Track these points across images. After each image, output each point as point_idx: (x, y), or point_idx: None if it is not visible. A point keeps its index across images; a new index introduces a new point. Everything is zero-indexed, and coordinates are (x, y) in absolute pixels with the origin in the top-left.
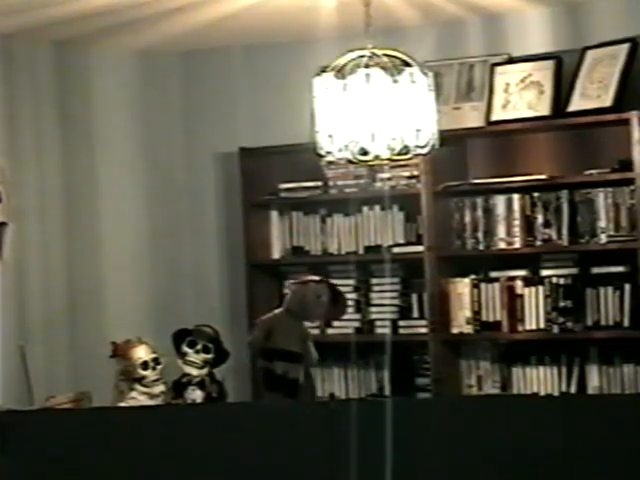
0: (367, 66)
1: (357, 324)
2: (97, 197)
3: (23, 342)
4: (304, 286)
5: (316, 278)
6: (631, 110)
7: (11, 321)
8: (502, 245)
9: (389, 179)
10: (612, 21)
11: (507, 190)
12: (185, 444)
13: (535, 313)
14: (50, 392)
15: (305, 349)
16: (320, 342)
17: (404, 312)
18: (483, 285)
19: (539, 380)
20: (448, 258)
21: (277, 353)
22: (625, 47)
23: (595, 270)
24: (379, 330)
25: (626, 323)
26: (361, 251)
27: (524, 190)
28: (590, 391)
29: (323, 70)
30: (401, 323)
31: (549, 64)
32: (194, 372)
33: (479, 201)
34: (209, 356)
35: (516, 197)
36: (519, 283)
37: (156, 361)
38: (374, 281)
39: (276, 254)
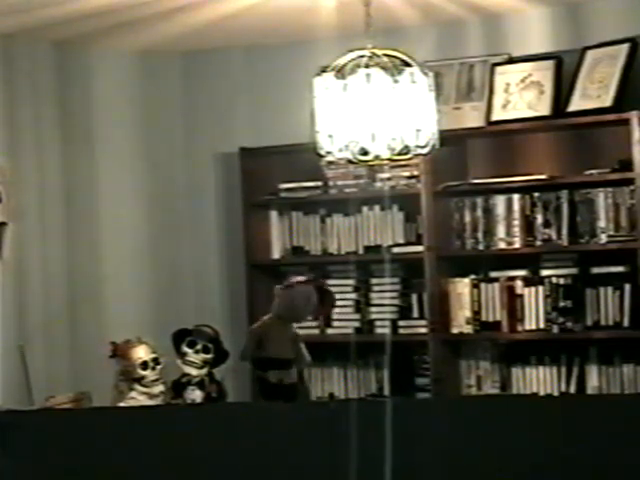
0: (367, 66)
1: (357, 324)
2: (97, 197)
3: (23, 342)
4: (291, 290)
5: (302, 279)
6: (631, 110)
7: (11, 321)
8: (502, 245)
9: (389, 179)
10: (612, 21)
11: (507, 190)
12: (185, 444)
13: (535, 313)
14: (50, 392)
15: (297, 352)
16: (320, 342)
17: (404, 312)
18: (483, 285)
19: (539, 380)
20: (448, 258)
21: (270, 362)
22: (625, 47)
23: (595, 270)
24: (379, 330)
25: (626, 323)
26: (361, 251)
27: (524, 190)
28: (590, 391)
29: (323, 70)
30: (401, 323)
31: (549, 64)
32: (194, 372)
33: (479, 201)
34: (209, 356)
35: (516, 197)
36: (519, 283)
37: (156, 361)
38: (374, 281)
39: (276, 254)
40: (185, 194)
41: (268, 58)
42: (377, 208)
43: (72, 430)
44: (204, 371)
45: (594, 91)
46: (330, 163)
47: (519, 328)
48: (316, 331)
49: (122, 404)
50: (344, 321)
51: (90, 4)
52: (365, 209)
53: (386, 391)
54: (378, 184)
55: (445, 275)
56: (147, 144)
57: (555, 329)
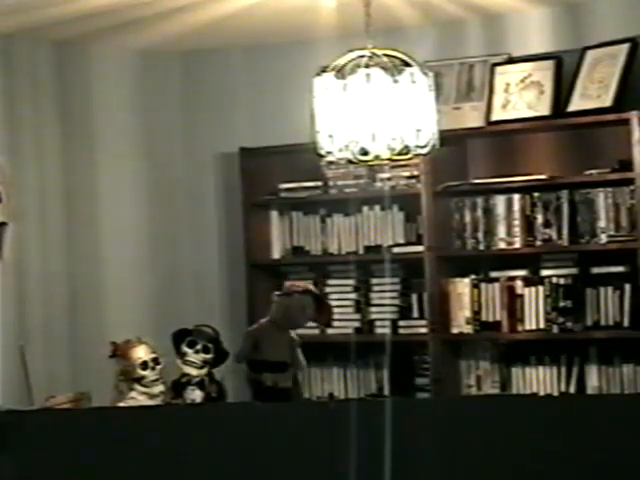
0: (367, 66)
1: (357, 324)
2: (97, 197)
3: (23, 342)
4: (288, 298)
5: (300, 288)
6: (631, 110)
7: (11, 321)
8: (502, 245)
9: (389, 179)
10: (612, 21)
11: (507, 190)
12: (184, 444)
13: (535, 313)
14: (50, 392)
15: (293, 356)
16: (320, 342)
17: (404, 312)
18: (483, 285)
19: (539, 380)
20: (448, 258)
21: (265, 364)
22: (625, 47)
23: (595, 270)
24: (379, 330)
25: (626, 323)
26: (361, 251)
27: (524, 190)
28: (589, 391)
29: (323, 70)
30: (401, 323)
31: (549, 64)
32: (193, 372)
33: (479, 201)
34: (209, 356)
35: (516, 197)
36: (519, 283)
37: (156, 361)
38: (374, 281)
39: (276, 254)
40: (185, 194)
41: (268, 58)
42: (377, 208)
43: (72, 430)
44: (204, 371)
45: (594, 91)
46: (330, 163)
47: (519, 328)
48: (316, 331)
49: (122, 404)
50: (344, 321)
51: (90, 4)
52: (365, 209)
53: (386, 391)
54: (378, 184)
55: (445, 275)
56: (147, 144)
57: (555, 329)
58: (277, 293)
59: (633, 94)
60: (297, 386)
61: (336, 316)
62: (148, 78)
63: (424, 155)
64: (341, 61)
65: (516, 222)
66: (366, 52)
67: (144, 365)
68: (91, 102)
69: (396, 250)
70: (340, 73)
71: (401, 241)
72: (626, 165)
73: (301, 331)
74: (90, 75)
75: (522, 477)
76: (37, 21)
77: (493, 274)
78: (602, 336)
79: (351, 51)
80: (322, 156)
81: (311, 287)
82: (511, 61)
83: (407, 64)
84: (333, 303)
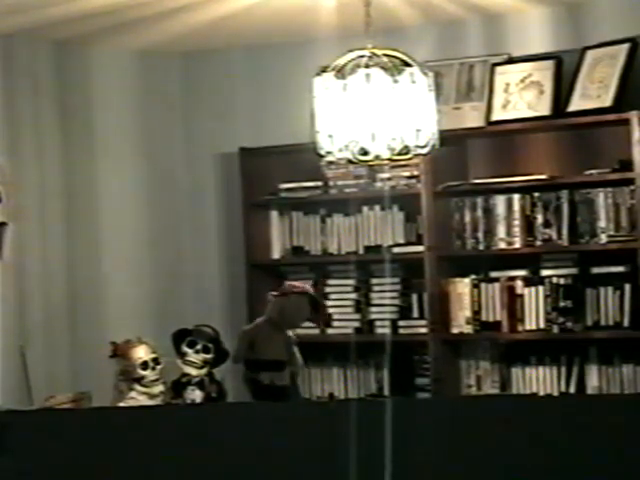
0: (367, 66)
1: (357, 324)
2: (97, 197)
3: (23, 342)
4: (284, 298)
5: (297, 288)
6: (631, 110)
7: (11, 321)
8: (502, 245)
9: (389, 179)
10: (612, 21)
11: (507, 190)
12: (184, 444)
13: (535, 313)
14: (50, 392)
15: (290, 355)
16: (320, 342)
17: (404, 312)
18: (483, 285)
19: (539, 380)
20: (448, 258)
21: (262, 363)
22: (625, 47)
23: (595, 270)
24: (379, 330)
25: (626, 323)
26: (361, 251)
27: (524, 190)
28: (590, 391)
29: (323, 70)
30: (401, 323)
31: (549, 64)
32: (194, 372)
33: (479, 201)
34: (209, 356)
35: (516, 197)
36: (519, 283)
37: (156, 361)
38: (374, 281)
39: (276, 254)
40: (185, 194)
41: (268, 58)
42: (377, 208)
43: (72, 430)
44: (204, 371)
45: (594, 91)
46: (330, 163)
47: (519, 328)
48: (316, 331)
49: (122, 404)
50: (344, 321)
51: (90, 4)
52: (365, 209)
53: (386, 391)
54: (378, 184)
55: (445, 275)
56: (147, 144)
57: (555, 329)
58: (273, 293)
59: (633, 94)
60: (294, 384)
61: (336, 316)
62: (148, 78)
63: (424, 155)
64: (341, 61)
65: (516, 222)
66: (366, 52)
67: (144, 365)
68: (91, 102)
69: (396, 250)
70: (340, 73)
71: (401, 241)
72: (626, 165)
73: (301, 331)
74: (90, 75)
75: (522, 477)
76: (37, 21)
77: (493, 274)
78: (602, 336)
79: (351, 51)
80: (322, 156)
81: (308, 288)
82: (511, 61)
83: (407, 64)
84: (333, 303)
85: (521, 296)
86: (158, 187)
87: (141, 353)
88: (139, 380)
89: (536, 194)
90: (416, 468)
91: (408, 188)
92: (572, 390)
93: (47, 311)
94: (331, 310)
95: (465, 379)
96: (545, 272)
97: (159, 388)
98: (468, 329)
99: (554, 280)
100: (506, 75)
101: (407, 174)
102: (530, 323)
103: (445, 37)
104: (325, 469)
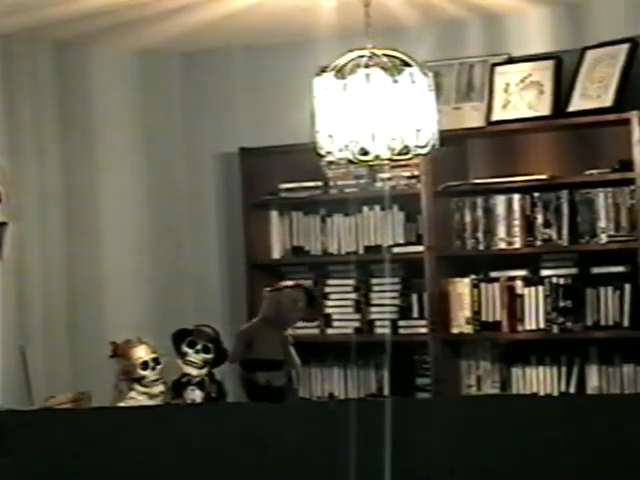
0: (367, 66)
1: (357, 324)
2: (97, 197)
3: (23, 342)
4: (279, 293)
5: (290, 283)
6: (631, 110)
7: (11, 321)
8: (502, 245)
9: (389, 179)
10: (612, 21)
11: (507, 190)
12: (185, 444)
13: (535, 313)
14: (50, 392)
15: (286, 355)
16: (320, 342)
17: (404, 312)
18: (483, 285)
19: (539, 380)
20: (448, 258)
21: (258, 363)
22: (625, 47)
23: (595, 270)
24: (379, 330)
25: (626, 323)
26: (361, 251)
27: (524, 190)
28: (590, 391)
29: (323, 70)
30: (401, 323)
31: (549, 64)
32: (194, 372)
33: (479, 201)
34: (209, 356)
35: (516, 197)
36: (519, 283)
37: (156, 361)
38: (374, 281)
39: (276, 254)
40: (185, 194)
41: (268, 58)
42: (377, 208)
43: (72, 430)
44: (204, 371)
45: (594, 91)
46: (330, 163)
47: (519, 328)
48: (316, 331)
49: (122, 404)
50: (344, 321)
51: (90, 4)
52: (365, 209)
53: (386, 391)
54: (378, 184)
55: (445, 275)
56: (147, 144)
57: (555, 329)
58: (268, 289)
59: (633, 94)
60: (291, 384)
61: (336, 316)
62: (148, 78)
63: (424, 155)
64: (341, 61)
65: (516, 222)
66: (366, 52)
67: (144, 365)
68: (91, 102)
69: (396, 250)
70: (340, 73)
71: (401, 241)
72: (626, 165)
73: (301, 331)
74: (90, 75)
75: (522, 477)
76: (37, 21)
77: (493, 274)
78: (602, 336)
79: (351, 51)
80: (322, 156)
81: (301, 282)
82: (511, 61)
83: (407, 64)
84: (333, 303)
85: (521, 296)
86: (158, 187)
87: (141, 353)
88: (139, 380)
89: (536, 194)
90: (416, 468)
91: (408, 188)
92: (572, 390)
93: (47, 311)
94: (331, 310)
95: (465, 379)
96: (545, 272)
97: (159, 388)
98: (468, 329)
99: (554, 280)
100: (506, 75)
101: (407, 174)
102: (530, 323)
103: (445, 37)
104: (325, 469)
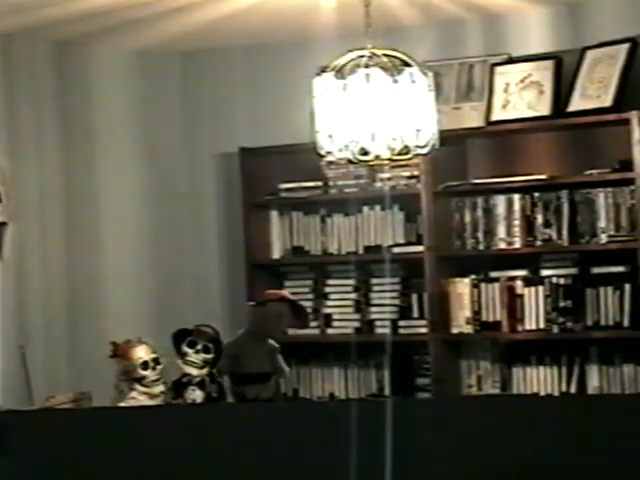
0: (367, 66)
1: (357, 324)
2: (97, 197)
3: (23, 342)
4: (263, 308)
5: (275, 295)
6: (631, 110)
7: (11, 321)
8: (502, 245)
9: (389, 179)
10: (612, 21)
11: (507, 190)
12: (185, 444)
13: (535, 313)
14: (50, 392)
15: (274, 365)
16: (320, 342)
17: (404, 312)
18: (483, 285)
19: (539, 380)
20: (448, 258)
21: (246, 377)
22: (625, 47)
23: (595, 270)
24: (379, 330)
25: (626, 323)
26: (361, 251)
27: (524, 190)
28: (590, 391)
29: (323, 70)
30: (401, 323)
31: (549, 64)
32: (194, 372)
33: (479, 201)
34: (209, 356)
35: (516, 197)
36: (519, 283)
37: (156, 361)
38: (374, 281)
39: (276, 254)
40: (185, 194)
41: (268, 58)
42: (377, 208)
43: (72, 430)
44: (204, 371)
45: (594, 91)
46: (330, 163)
47: (519, 328)
48: (316, 331)
49: (122, 404)
50: (344, 321)
51: (90, 4)
52: (365, 209)
53: (386, 391)
54: (378, 184)
55: (445, 275)
56: (147, 144)
57: (555, 329)
58: (251, 303)
59: (633, 94)
60: (278, 396)
61: (336, 316)
62: (148, 78)
63: (424, 155)
64: (341, 61)
65: (516, 222)
66: (366, 52)
67: (145, 365)
68: (91, 102)
69: (396, 250)
70: (340, 73)
71: (401, 241)
72: (626, 165)
73: (301, 332)
74: (90, 75)
75: (522, 477)
76: (37, 21)
77: (493, 274)
78: (602, 336)
79: (351, 51)
80: (322, 156)
81: (285, 293)
82: (511, 61)
83: (407, 64)
84: (333, 303)
85: (521, 296)
86: (158, 187)
87: (141, 353)
88: (139, 380)
89: (536, 194)
90: (416, 468)
91: (408, 188)
92: (572, 390)
93: (47, 311)
94: (331, 310)
95: (465, 379)
96: (545, 272)
97: (159, 388)
98: (468, 329)
99: (554, 280)
100: (506, 75)
101: (407, 174)
102: (530, 323)
103: (445, 37)
104: (325, 469)
